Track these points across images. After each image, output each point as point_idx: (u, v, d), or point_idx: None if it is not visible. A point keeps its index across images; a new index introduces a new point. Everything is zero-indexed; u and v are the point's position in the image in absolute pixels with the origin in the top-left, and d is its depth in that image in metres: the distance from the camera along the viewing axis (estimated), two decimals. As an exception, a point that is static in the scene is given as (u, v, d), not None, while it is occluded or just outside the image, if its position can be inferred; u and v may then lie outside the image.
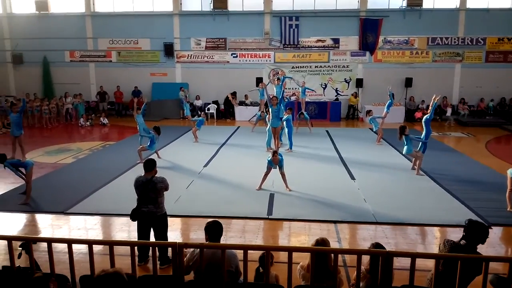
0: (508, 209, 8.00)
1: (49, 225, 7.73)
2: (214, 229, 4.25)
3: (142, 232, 5.86)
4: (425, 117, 10.89)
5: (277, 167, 9.14)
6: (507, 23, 20.01)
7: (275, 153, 9.13)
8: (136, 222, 5.90)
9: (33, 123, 18.91)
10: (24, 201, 8.48)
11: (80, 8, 21.79)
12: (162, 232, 5.86)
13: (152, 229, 5.92)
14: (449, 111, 19.78)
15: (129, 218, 5.92)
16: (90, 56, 22.37)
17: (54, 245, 4.26)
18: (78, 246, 5.54)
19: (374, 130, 14.63)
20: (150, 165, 5.84)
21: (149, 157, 6.00)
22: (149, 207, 5.74)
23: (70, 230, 7.42)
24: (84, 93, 21.70)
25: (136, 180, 5.85)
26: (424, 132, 10.75)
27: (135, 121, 12.20)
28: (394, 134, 12.65)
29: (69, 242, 4.15)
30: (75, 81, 21.94)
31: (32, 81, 22.04)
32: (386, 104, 14.79)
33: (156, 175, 5.86)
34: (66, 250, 4.07)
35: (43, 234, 7.24)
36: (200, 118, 15.23)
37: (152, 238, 5.89)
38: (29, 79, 22.12)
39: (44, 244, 4.40)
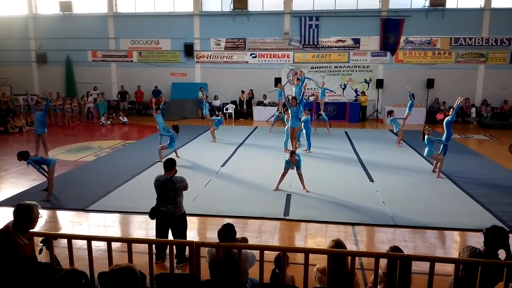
0: None
1: (69, 221, 7.89)
2: (223, 235, 4.28)
3: (160, 231, 5.90)
4: (446, 119, 10.67)
5: (295, 167, 9.11)
6: (534, 23, 19.46)
7: (293, 153, 9.09)
8: (154, 221, 5.95)
9: (55, 121, 19.34)
10: (46, 197, 8.67)
11: (103, 8, 22.17)
12: (180, 232, 5.89)
13: (170, 229, 5.96)
14: (473, 111, 19.36)
15: (147, 216, 5.98)
16: (111, 56, 22.73)
17: (74, 241, 4.35)
18: (97, 243, 5.64)
19: (394, 131, 14.42)
20: (169, 165, 5.87)
21: (169, 157, 6.02)
22: (168, 206, 5.77)
23: (90, 227, 7.55)
24: (106, 92, 22.06)
25: (156, 179, 5.90)
26: (445, 134, 10.55)
27: (155, 120, 12.34)
28: (414, 135, 12.49)
29: (89, 239, 4.23)
30: (97, 81, 22.31)
31: (55, 80, 22.54)
32: (408, 105, 14.54)
33: (175, 175, 5.89)
34: (86, 246, 4.15)
35: (64, 230, 7.39)
36: (219, 117, 15.29)
37: (170, 237, 5.93)
38: (52, 78, 22.62)
39: (64, 241, 4.49)
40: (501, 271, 3.58)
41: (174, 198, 5.77)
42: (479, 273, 3.55)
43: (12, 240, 3.76)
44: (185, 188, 5.93)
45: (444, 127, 10.60)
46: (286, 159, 9.12)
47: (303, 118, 13.09)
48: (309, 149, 13.13)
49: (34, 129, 9.36)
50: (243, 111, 21.26)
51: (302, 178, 9.20)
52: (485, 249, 3.93)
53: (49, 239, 4.22)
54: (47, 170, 8.71)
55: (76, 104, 19.86)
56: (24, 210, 3.86)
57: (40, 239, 4.29)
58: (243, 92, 21.23)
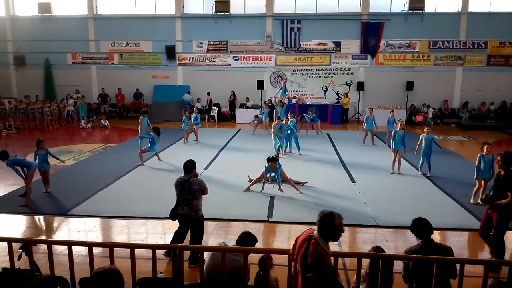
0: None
1: (49, 227, 7.74)
2: (244, 241, 4.38)
3: (179, 232, 5.97)
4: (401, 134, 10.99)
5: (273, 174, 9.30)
6: (509, 27, 20.00)
7: (274, 160, 9.16)
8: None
9: (34, 125, 18.97)
10: (24, 203, 8.49)
11: (83, 10, 21.88)
12: (196, 235, 5.93)
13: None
14: (430, 112, 19.88)
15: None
16: (92, 58, 22.43)
17: (54, 247, 4.27)
18: (78, 248, 5.54)
19: (364, 126, 14.75)
20: (189, 167, 5.90)
21: (189, 159, 6.01)
22: (184, 208, 5.80)
23: (70, 232, 7.42)
24: (86, 95, 21.74)
25: (176, 180, 5.95)
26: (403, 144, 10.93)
27: (139, 122, 12.30)
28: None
29: (69, 244, 4.16)
30: (77, 83, 21.96)
31: (33, 83, 22.10)
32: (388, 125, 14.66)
33: (194, 177, 5.91)
34: (66, 252, 4.08)
35: (43, 236, 7.25)
36: (194, 115, 15.28)
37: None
38: (31, 81, 22.18)
39: (44, 246, 4.41)
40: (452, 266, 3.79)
41: (190, 200, 5.78)
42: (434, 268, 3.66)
43: None
44: (203, 191, 5.90)
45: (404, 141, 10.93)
46: (266, 165, 9.16)
47: (290, 121, 13.21)
48: (299, 150, 13.28)
49: (38, 165, 9.15)
50: (226, 114, 21.28)
51: (291, 182, 9.37)
52: (422, 241, 4.00)
53: (28, 245, 4.13)
54: (26, 174, 8.53)
55: (56, 107, 19.50)
56: None
57: (19, 245, 4.20)
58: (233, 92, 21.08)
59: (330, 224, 3.12)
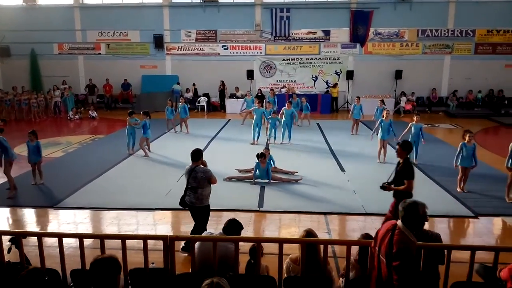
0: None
1: (38, 219, 7.70)
2: (230, 228, 4.43)
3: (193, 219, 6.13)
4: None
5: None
6: (496, 15, 20.13)
7: (263, 156, 9.18)
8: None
9: (21, 116, 18.70)
10: (11, 195, 8.42)
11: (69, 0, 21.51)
12: (200, 224, 6.02)
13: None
14: (403, 101, 20.05)
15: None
16: (79, 48, 22.10)
17: (44, 239, 4.25)
18: (68, 240, 5.53)
19: (350, 115, 15.04)
20: (196, 155, 5.99)
21: (196, 148, 6.09)
22: (190, 196, 5.91)
23: (60, 224, 7.39)
24: (73, 86, 21.46)
25: (186, 168, 6.08)
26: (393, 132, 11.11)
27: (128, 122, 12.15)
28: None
29: (60, 236, 4.14)
30: (63, 74, 21.65)
31: (19, 74, 21.70)
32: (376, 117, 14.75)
33: (200, 166, 5.97)
34: (56, 244, 4.06)
35: (32, 228, 7.20)
36: (181, 105, 15.28)
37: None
38: (16, 72, 21.78)
39: (33, 239, 4.38)
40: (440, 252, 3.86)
41: (196, 188, 5.85)
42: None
43: None
44: (210, 180, 5.94)
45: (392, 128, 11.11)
46: (256, 161, 9.20)
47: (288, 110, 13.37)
48: (290, 140, 13.36)
49: (28, 158, 9.08)
50: (215, 104, 21.23)
51: (282, 172, 9.46)
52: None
53: (18, 237, 4.10)
54: (1, 161, 8.45)
55: (42, 99, 19.24)
56: None
57: (9, 238, 4.18)
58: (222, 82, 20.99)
59: (414, 213, 3.14)
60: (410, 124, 10.99)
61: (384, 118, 11.13)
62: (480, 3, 20.06)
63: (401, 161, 6.09)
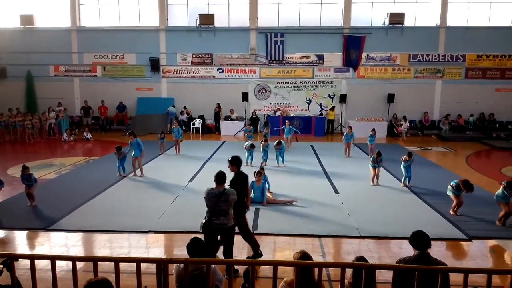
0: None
1: (30, 242, 7.60)
2: (192, 248, 4.30)
3: (211, 244, 5.92)
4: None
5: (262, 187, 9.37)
6: (486, 41, 20.64)
7: (259, 173, 9.23)
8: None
9: (15, 138, 18.66)
10: None
11: (66, 23, 21.76)
12: (229, 244, 5.99)
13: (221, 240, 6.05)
14: (404, 125, 20.23)
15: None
16: (75, 70, 22.26)
17: (36, 262, 4.21)
18: (60, 263, 5.47)
19: (344, 140, 15.19)
20: (222, 178, 5.97)
21: (220, 170, 6.05)
22: (221, 218, 5.84)
23: (52, 247, 7.29)
24: (69, 108, 21.52)
25: (208, 193, 5.94)
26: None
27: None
28: (380, 148, 12.85)
29: (53, 258, 4.10)
30: (59, 96, 21.72)
31: (15, 95, 21.73)
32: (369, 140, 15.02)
33: (229, 188, 6.00)
34: (48, 267, 4.02)
35: (24, 251, 7.11)
36: (175, 129, 15.49)
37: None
38: (12, 94, 21.79)
39: (25, 262, 4.33)
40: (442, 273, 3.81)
41: (227, 210, 5.85)
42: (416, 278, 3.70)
43: None
44: (236, 200, 6.01)
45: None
46: (253, 180, 9.21)
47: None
48: (283, 162, 13.44)
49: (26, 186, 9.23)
50: (210, 126, 21.34)
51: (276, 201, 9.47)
52: (418, 252, 4.14)
53: (10, 260, 4.06)
54: None
55: (37, 120, 19.24)
56: None
57: (0, 260, 4.13)
58: (219, 104, 21.28)
59: None
60: (402, 164, 11.08)
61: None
62: (469, 29, 20.59)
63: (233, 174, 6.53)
